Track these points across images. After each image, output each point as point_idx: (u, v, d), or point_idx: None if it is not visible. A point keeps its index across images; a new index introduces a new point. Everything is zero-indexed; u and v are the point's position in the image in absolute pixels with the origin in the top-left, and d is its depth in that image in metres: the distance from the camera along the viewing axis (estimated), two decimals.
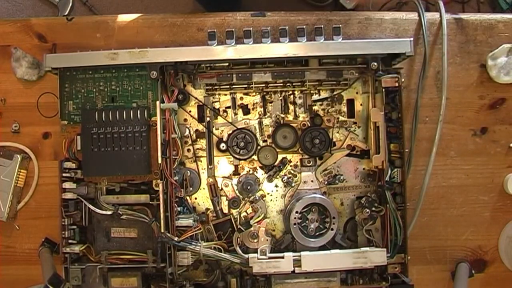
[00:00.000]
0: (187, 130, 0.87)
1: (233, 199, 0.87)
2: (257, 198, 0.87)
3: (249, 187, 0.87)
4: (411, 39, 0.81)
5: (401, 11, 0.96)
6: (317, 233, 0.84)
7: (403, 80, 0.83)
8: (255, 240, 0.84)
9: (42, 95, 0.94)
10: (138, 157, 0.80)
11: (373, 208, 0.83)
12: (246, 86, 0.86)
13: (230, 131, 0.87)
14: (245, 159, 0.87)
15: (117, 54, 0.81)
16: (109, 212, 0.81)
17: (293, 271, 0.80)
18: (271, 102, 0.88)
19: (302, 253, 0.80)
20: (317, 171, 0.87)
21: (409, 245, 0.82)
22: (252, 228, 0.84)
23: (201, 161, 0.88)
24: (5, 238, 0.93)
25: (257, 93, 0.88)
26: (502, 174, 0.94)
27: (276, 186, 0.88)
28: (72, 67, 0.82)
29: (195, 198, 0.88)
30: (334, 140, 0.88)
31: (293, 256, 0.80)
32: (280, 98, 0.88)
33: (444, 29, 0.91)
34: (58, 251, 0.86)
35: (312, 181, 0.87)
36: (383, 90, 0.82)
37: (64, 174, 0.81)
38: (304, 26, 0.84)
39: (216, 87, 0.86)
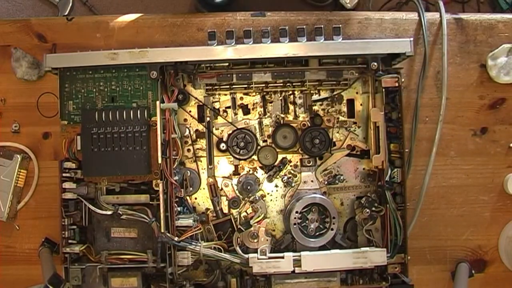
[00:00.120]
0: (187, 130, 0.87)
1: (233, 199, 0.87)
2: (257, 198, 0.87)
3: (249, 187, 0.87)
4: (411, 39, 0.81)
5: (401, 11, 0.96)
6: (317, 233, 0.84)
7: (403, 80, 0.83)
8: (255, 240, 0.84)
9: (42, 95, 0.94)
10: (138, 157, 0.80)
11: (373, 208, 0.83)
12: (246, 86, 0.86)
13: (230, 131, 0.87)
14: (245, 159, 0.87)
15: (117, 54, 0.81)
16: (109, 212, 0.81)
17: (293, 271, 0.80)
18: (271, 102, 0.88)
19: (302, 253, 0.80)
20: (317, 171, 0.87)
21: (409, 245, 0.82)
22: (252, 228, 0.84)
23: (201, 161, 0.88)
24: (5, 238, 0.93)
25: (257, 93, 0.88)
26: (502, 174, 0.94)
27: (276, 186, 0.88)
28: (72, 67, 0.82)
29: (195, 198, 0.88)
30: (334, 140, 0.87)
31: (293, 256, 0.80)
32: (280, 98, 0.88)
33: (444, 29, 0.91)
34: (58, 251, 0.86)
35: (312, 181, 0.87)
36: (383, 90, 0.82)
37: (64, 174, 0.80)
38: (304, 26, 0.84)
39: (216, 87, 0.86)
